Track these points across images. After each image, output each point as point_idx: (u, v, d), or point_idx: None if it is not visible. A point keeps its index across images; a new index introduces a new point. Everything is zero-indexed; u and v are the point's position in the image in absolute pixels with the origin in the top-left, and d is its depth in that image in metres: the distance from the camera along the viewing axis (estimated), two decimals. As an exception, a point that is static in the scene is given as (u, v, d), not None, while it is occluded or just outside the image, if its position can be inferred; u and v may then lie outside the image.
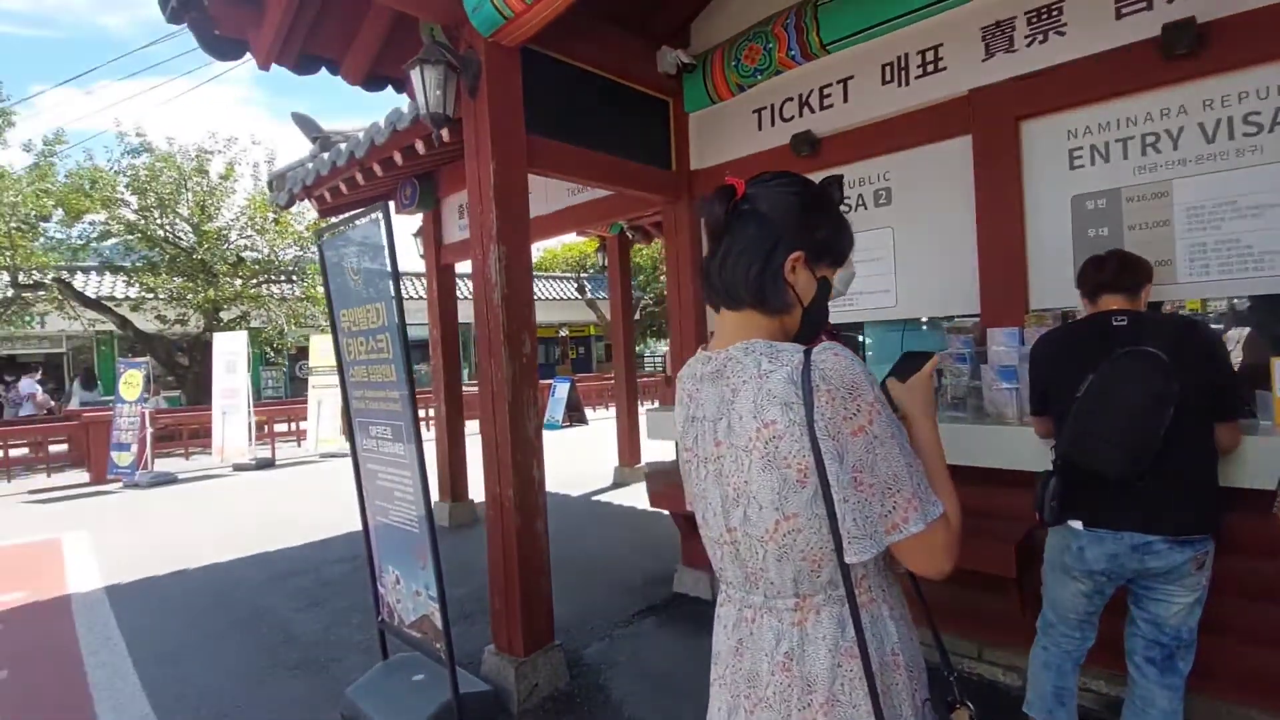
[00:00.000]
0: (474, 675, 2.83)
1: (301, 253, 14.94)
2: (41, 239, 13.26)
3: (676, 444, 1.23)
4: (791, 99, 3.32)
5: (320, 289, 14.62)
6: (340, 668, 3.29)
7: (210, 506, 7.32)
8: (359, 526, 6.05)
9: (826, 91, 3.18)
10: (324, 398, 10.95)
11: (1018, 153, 2.66)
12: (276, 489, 8.19)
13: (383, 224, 2.45)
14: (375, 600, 3.02)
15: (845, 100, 3.12)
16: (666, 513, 5.50)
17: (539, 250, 34.75)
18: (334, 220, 3.04)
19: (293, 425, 12.21)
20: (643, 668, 3.13)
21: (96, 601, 4.39)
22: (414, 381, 2.48)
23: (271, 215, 14.06)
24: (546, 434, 13.45)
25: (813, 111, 3.24)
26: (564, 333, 29.21)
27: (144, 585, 4.70)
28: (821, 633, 0.95)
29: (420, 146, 4.35)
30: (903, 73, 2.93)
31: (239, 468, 9.83)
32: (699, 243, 3.88)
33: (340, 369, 2.89)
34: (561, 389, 14.46)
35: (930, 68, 2.85)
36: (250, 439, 9.88)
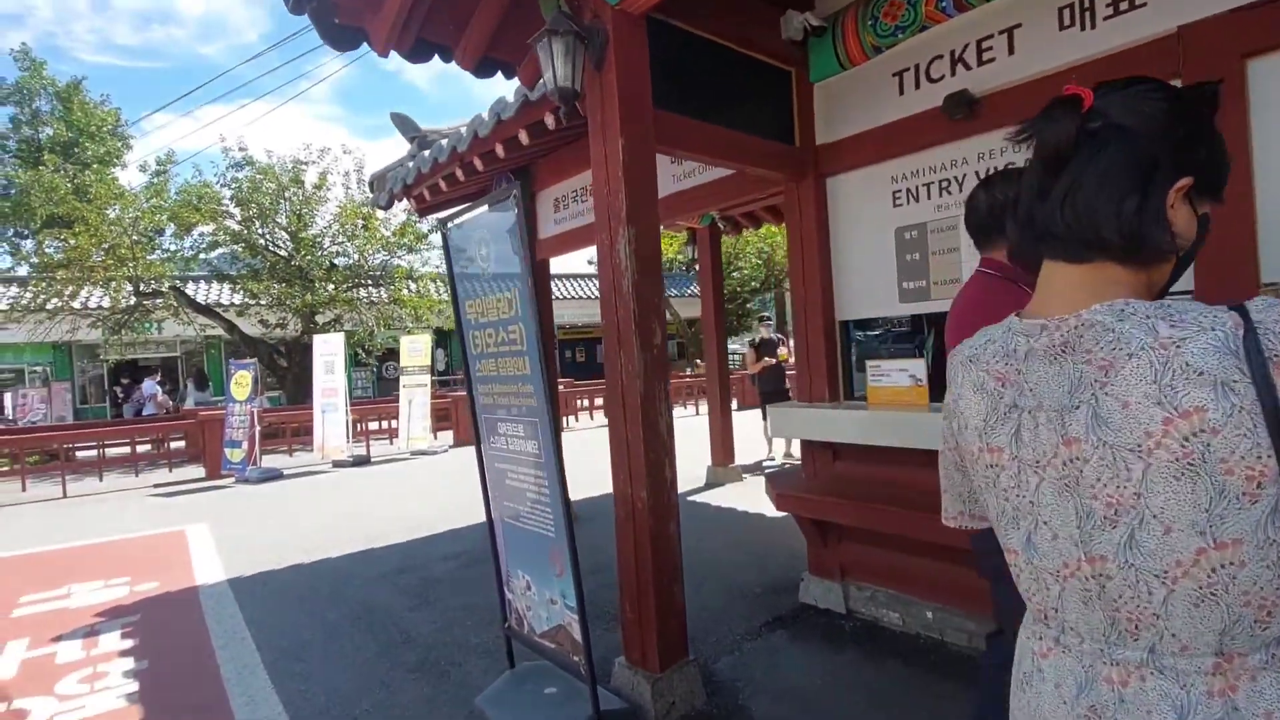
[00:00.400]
0: (604, 689, 2.65)
1: (388, 258, 15.45)
2: (158, 251, 14.25)
3: (948, 445, 0.97)
4: (941, 56, 2.98)
5: (406, 291, 15.06)
6: (461, 672, 3.19)
7: (315, 501, 7.55)
8: (460, 524, 6.10)
9: (986, 44, 2.82)
10: (414, 397, 11.22)
11: (1244, 96, 2.24)
12: (375, 485, 8.39)
13: (514, 207, 2.29)
14: (501, 605, 2.89)
15: (1010, 52, 2.75)
16: (771, 515, 5.23)
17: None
18: (459, 207, 2.95)
19: (383, 424, 12.59)
20: (781, 687, 2.87)
21: (221, 594, 4.51)
22: (550, 374, 2.31)
23: (360, 222, 14.59)
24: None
25: (968, 68, 2.89)
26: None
27: (263, 579, 4.81)
28: (1263, 707, 0.67)
29: (524, 136, 4.24)
30: (1087, 14, 2.54)
31: (338, 464, 10.18)
32: (825, 224, 3.58)
33: (465, 363, 2.77)
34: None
35: (1124, 5, 2.45)
36: (348, 437, 10.21)
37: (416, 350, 11.33)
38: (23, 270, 17.92)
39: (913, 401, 2.98)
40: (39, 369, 18.81)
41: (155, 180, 14.45)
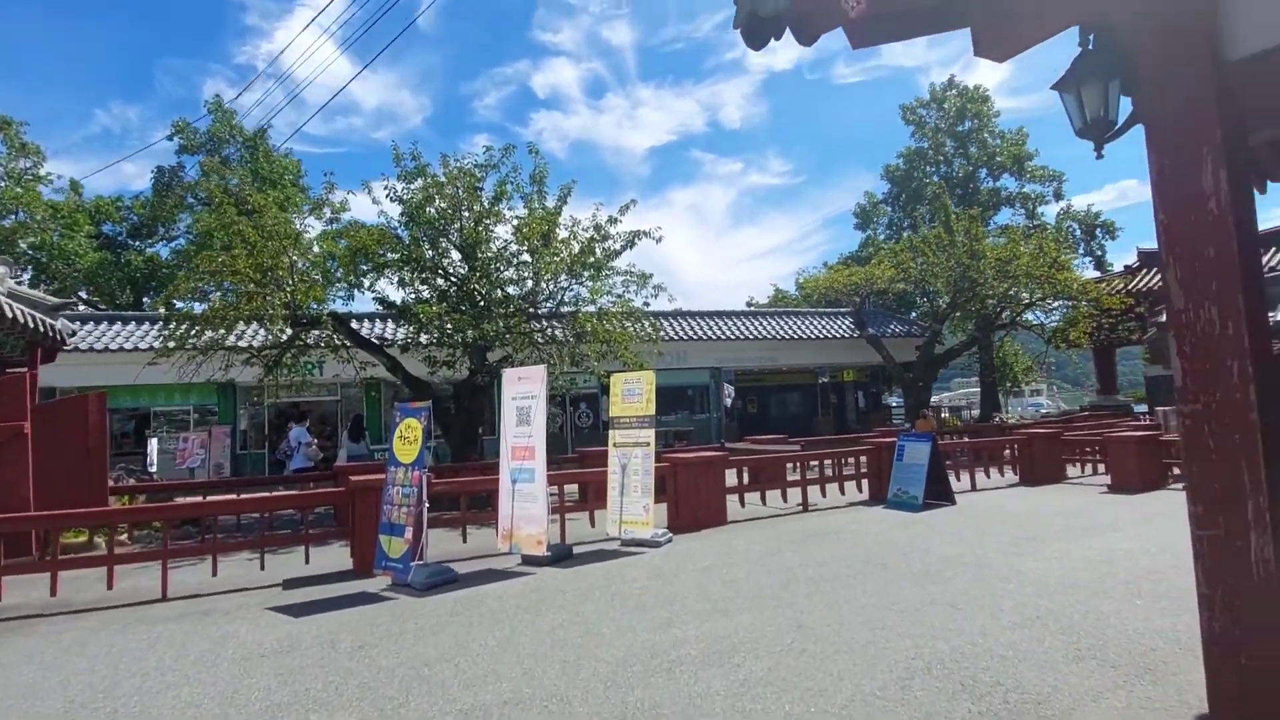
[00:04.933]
0: None
1: (568, 283, 12.57)
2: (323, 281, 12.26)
3: None
4: None
5: (592, 325, 11.92)
6: None
7: (531, 657, 4.08)
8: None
9: None
10: (630, 460, 7.79)
11: None
12: (615, 613, 4.82)
13: None
14: None
15: None
16: None
17: (797, 278, 30.13)
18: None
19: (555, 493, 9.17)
20: None
21: None
22: None
23: (540, 240, 11.83)
24: (903, 520, 9.13)
25: None
26: (825, 378, 24.72)
27: None
28: None
29: None
30: None
31: (529, 559, 6.85)
32: None
33: None
34: (917, 450, 10.04)
35: None
36: (548, 518, 6.88)
37: (634, 394, 7.95)
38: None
39: None
40: (210, 413, 17.91)
41: (328, 228, 12.74)
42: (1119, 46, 2.64)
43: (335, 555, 7.41)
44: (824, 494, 10.19)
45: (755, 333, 22.73)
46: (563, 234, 12.16)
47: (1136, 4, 2.33)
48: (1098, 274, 23.11)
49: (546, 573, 6.47)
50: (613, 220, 12.17)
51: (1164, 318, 15.17)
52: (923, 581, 5.54)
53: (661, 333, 20.82)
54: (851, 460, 10.76)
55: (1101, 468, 11.65)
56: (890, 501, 9.85)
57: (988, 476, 11.57)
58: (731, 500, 9.26)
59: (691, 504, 8.59)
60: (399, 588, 6.07)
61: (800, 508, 9.62)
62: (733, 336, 22.17)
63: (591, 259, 12.10)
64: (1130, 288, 18.86)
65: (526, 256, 11.92)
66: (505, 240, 12.15)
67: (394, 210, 11.95)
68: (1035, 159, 29.84)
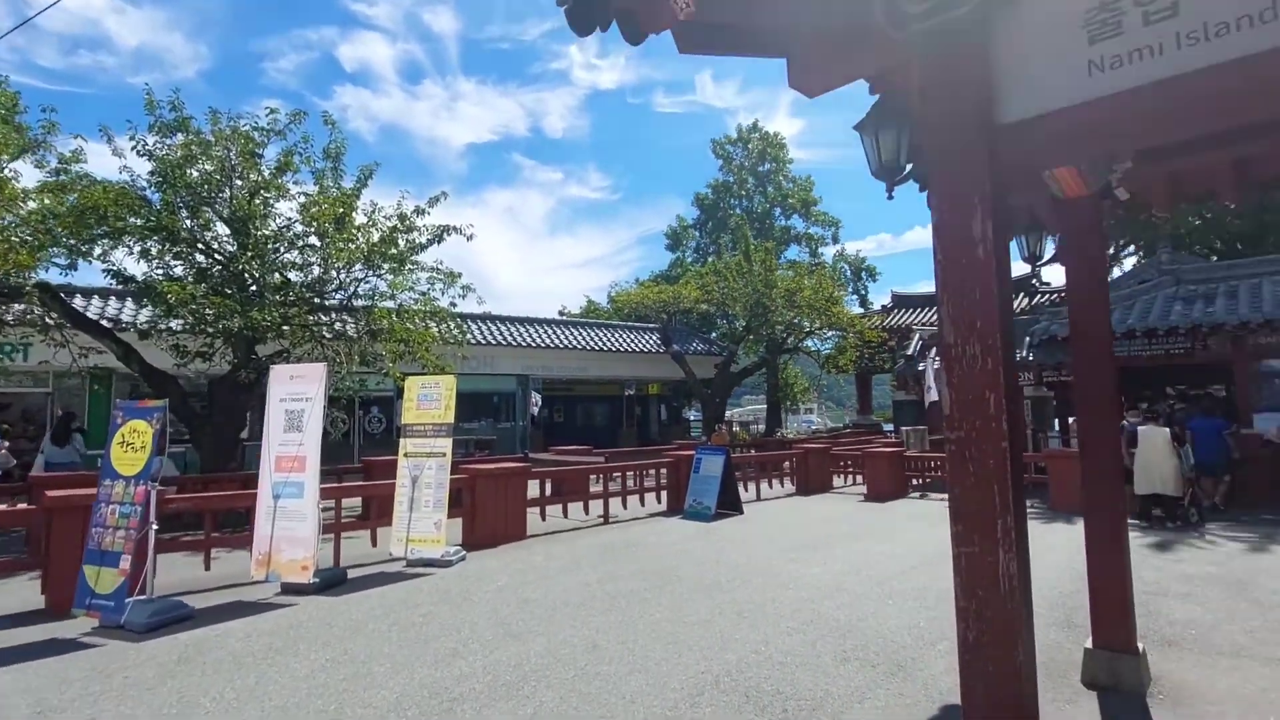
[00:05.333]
0: None
1: (364, 274, 11.39)
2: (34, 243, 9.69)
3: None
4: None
5: (390, 320, 10.94)
6: None
7: (291, 706, 3.40)
8: None
9: None
10: (422, 472, 7.15)
11: None
12: (417, 642, 4.26)
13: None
14: None
15: None
16: None
17: (610, 291, 30.80)
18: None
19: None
20: None
21: None
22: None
23: (332, 224, 10.57)
24: (698, 531, 9.56)
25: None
26: (630, 391, 25.40)
27: None
28: None
29: None
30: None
31: (293, 589, 5.92)
32: None
33: None
34: (712, 463, 10.58)
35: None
36: (317, 540, 5.99)
37: (431, 399, 7.32)
38: None
39: None
40: None
41: (51, 180, 9.96)
42: (907, 99, 2.87)
43: (22, 592, 5.78)
44: (625, 506, 10.29)
45: (566, 342, 22.68)
46: (361, 219, 11.01)
47: (921, 68, 2.51)
48: (861, 310, 26.69)
49: (312, 603, 5.62)
50: (420, 211, 11.26)
51: (910, 351, 17.86)
52: (713, 592, 5.71)
53: (468, 336, 19.87)
54: (653, 472, 11.03)
55: (860, 478, 13.27)
56: (687, 512, 10.23)
57: (770, 487, 12.58)
58: (532, 513, 8.96)
59: (490, 518, 8.13)
60: (109, 630, 4.86)
61: (602, 520, 9.61)
62: (543, 344, 21.89)
63: (393, 250, 11.08)
64: (885, 324, 22.07)
65: (315, 240, 10.58)
66: (289, 219, 10.70)
67: (143, 167, 9.95)
68: (819, 205, 33.84)
